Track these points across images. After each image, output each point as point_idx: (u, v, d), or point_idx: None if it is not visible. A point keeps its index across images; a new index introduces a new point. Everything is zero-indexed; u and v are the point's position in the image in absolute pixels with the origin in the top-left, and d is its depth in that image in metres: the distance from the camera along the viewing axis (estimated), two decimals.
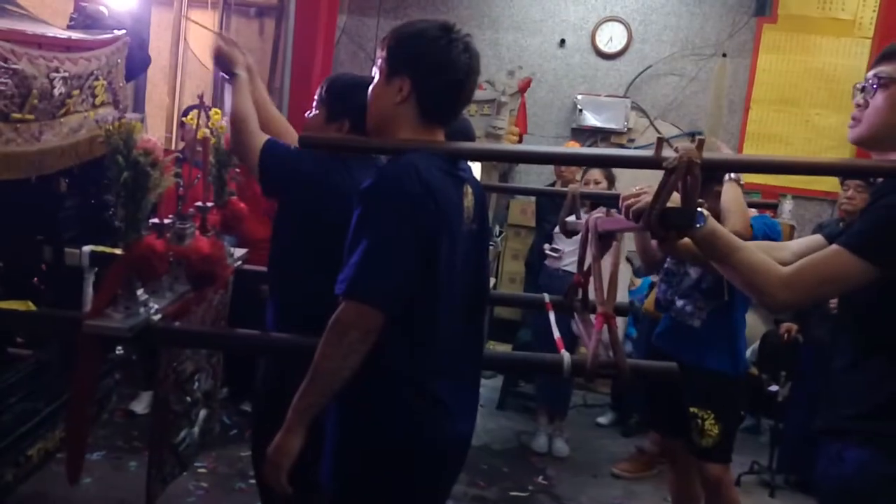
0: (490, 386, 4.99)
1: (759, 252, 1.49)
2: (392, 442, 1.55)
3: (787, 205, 4.50)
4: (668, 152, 1.44)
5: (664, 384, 2.65)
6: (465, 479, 3.58)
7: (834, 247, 1.44)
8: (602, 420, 4.70)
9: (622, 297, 3.50)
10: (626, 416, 4.64)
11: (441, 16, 5.48)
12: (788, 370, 4.05)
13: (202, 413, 2.47)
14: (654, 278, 4.02)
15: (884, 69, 1.51)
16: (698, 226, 1.43)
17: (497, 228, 5.16)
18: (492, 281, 4.63)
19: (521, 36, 5.53)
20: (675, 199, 1.41)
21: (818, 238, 1.60)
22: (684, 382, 2.22)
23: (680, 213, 1.39)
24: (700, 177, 1.38)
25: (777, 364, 4.15)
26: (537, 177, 5.37)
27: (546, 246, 4.18)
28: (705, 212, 1.45)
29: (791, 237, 4.07)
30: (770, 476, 3.92)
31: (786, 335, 4.08)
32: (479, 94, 5.14)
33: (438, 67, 1.56)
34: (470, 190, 1.66)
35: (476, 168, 4.39)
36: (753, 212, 2.78)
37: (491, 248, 3.86)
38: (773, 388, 4.09)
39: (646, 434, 4.19)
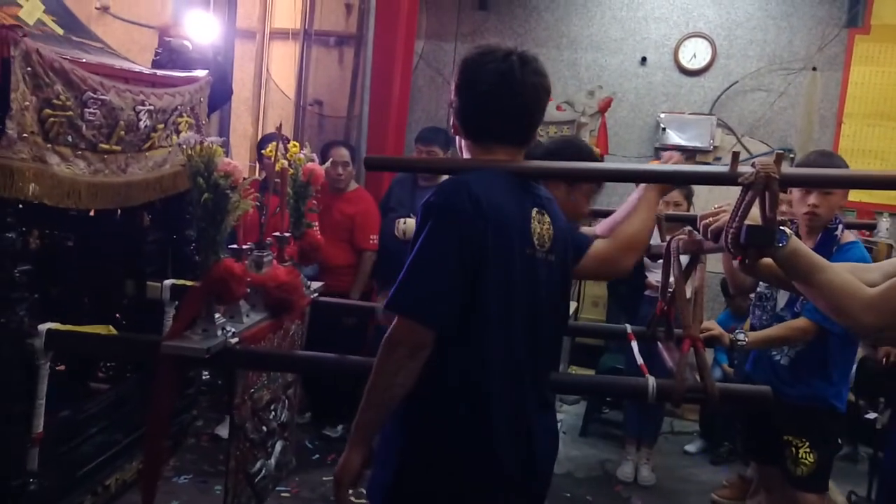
0: (573, 412, 4.90)
1: (846, 273, 1.40)
2: (441, 459, 1.53)
3: (885, 223, 4.25)
4: (745, 168, 1.38)
5: (757, 411, 2.53)
6: None
7: None
8: (690, 448, 4.53)
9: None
10: (715, 444, 4.48)
11: (519, 37, 5.49)
12: (887, 396, 3.82)
13: (278, 445, 2.48)
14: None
15: None
16: (780, 245, 1.35)
17: None
18: (573, 305, 4.54)
19: (600, 55, 5.46)
20: (756, 217, 1.34)
21: None
22: (776, 410, 2.10)
23: (759, 231, 1.33)
24: (778, 193, 1.32)
25: (875, 390, 3.92)
26: (620, 199, 5.25)
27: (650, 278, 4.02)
28: (788, 230, 1.37)
29: (889, 257, 3.84)
30: None
31: (884, 360, 3.84)
32: (558, 116, 5.10)
33: (467, 83, 1.59)
34: (546, 218, 1.63)
35: None
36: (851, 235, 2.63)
37: None
38: (872, 415, 3.90)
39: (737, 462, 4.04)
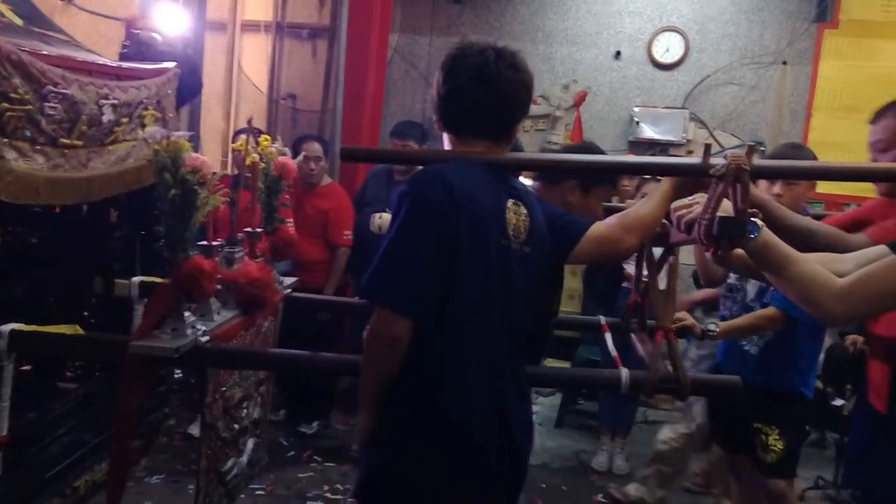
0: (548, 404, 4.92)
1: (817, 264, 1.42)
2: (422, 451, 1.54)
3: None
4: (717, 160, 1.40)
5: (728, 400, 2.57)
6: (524, 499, 3.50)
7: (892, 257, 1.37)
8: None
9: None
10: None
11: (494, 31, 5.48)
12: (854, 384, 3.89)
13: (250, 442, 2.46)
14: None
15: None
16: (752, 236, 1.37)
17: None
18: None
19: (575, 49, 5.47)
20: (728, 209, 1.36)
21: (882, 249, 1.51)
22: (747, 398, 2.13)
23: (731, 223, 1.35)
24: (749, 184, 1.34)
25: (842, 377, 4.00)
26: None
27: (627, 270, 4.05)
28: (759, 222, 1.38)
29: None
30: (835, 491, 3.83)
31: (851, 348, 3.91)
32: (533, 109, 5.08)
33: (446, 78, 1.61)
34: (522, 209, 1.63)
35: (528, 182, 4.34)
36: None
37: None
38: (838, 401, 3.99)
39: (709, 450, 4.09)
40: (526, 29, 5.53)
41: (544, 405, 4.92)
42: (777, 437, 2.64)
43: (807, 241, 1.68)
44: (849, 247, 1.61)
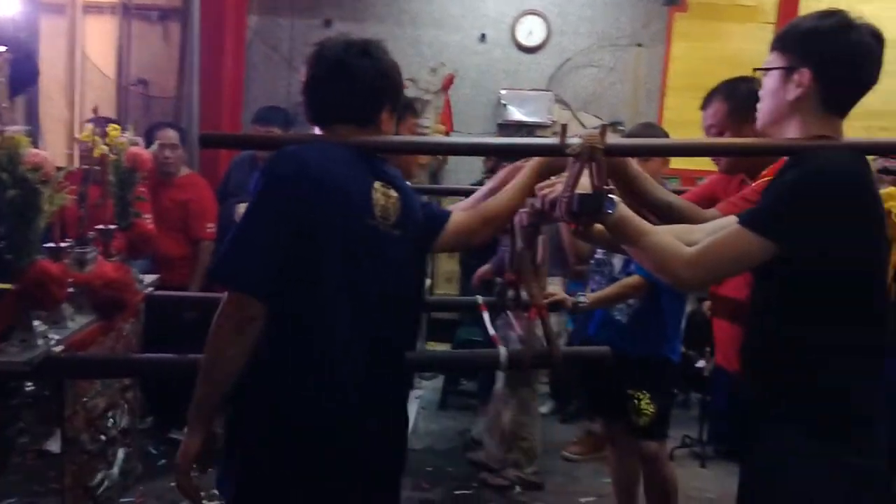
0: (431, 387, 4.94)
1: (669, 235, 1.51)
2: (291, 441, 1.50)
3: None
4: (574, 140, 1.47)
5: (600, 369, 2.68)
6: (409, 485, 3.53)
7: (735, 226, 1.46)
8: (542, 409, 4.70)
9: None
10: (565, 404, 4.70)
11: (358, 14, 5.39)
12: (713, 346, 4.13)
13: (120, 452, 2.32)
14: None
15: (768, 58, 1.57)
16: (609, 212, 1.45)
17: None
18: (427, 282, 4.55)
19: (441, 32, 5.47)
20: (587, 186, 1.44)
21: (731, 219, 1.60)
22: (618, 366, 2.27)
23: (588, 199, 1.43)
24: (604, 162, 1.43)
25: (702, 340, 4.25)
26: (466, 175, 5.33)
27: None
28: (616, 198, 1.47)
29: None
30: (701, 448, 4.06)
31: (709, 312, 4.15)
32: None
33: (306, 73, 1.63)
34: (393, 192, 1.61)
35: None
36: None
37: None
38: (700, 363, 4.23)
39: (585, 420, 4.26)
40: (391, 11, 5.48)
41: (427, 388, 4.94)
42: (648, 401, 2.77)
43: (667, 214, 1.77)
44: (703, 220, 1.71)
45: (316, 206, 1.46)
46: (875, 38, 1.49)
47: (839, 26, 1.50)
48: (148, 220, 2.46)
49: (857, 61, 1.48)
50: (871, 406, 1.49)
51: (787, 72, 1.53)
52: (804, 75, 1.50)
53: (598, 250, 2.84)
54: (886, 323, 1.54)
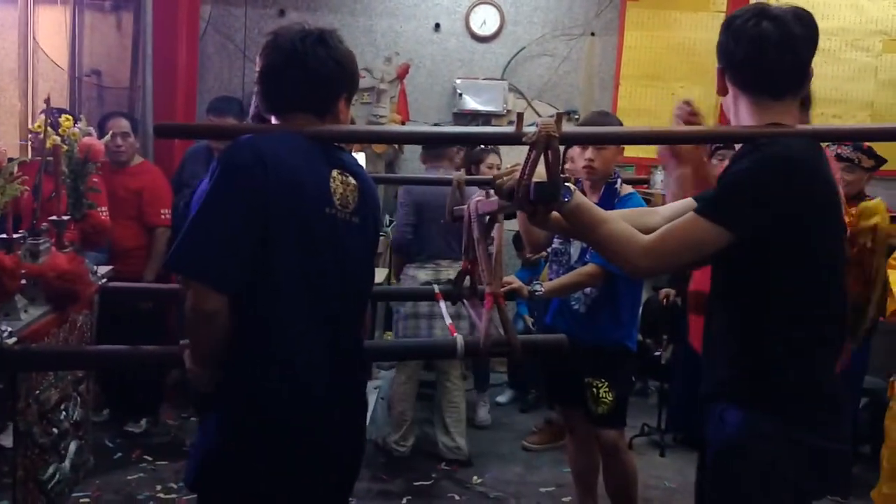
0: (388, 377, 4.94)
1: (624, 222, 1.53)
2: (254, 428, 1.52)
3: (659, 175, 4.63)
4: (530, 129, 1.47)
5: (557, 357, 2.71)
6: (368, 476, 3.54)
7: (690, 213, 1.48)
8: (501, 399, 4.77)
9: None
10: (523, 393, 4.72)
11: (311, 2, 5.35)
12: (670, 334, 4.22)
13: (72, 446, 2.30)
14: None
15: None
16: (565, 200, 1.46)
17: (387, 218, 5.11)
18: (384, 272, 4.56)
19: (395, 21, 5.46)
20: (543, 175, 1.44)
21: (689, 202, 1.64)
22: (575, 355, 2.26)
23: (544, 187, 1.43)
24: (560, 150, 1.43)
25: (659, 328, 4.32)
26: (422, 166, 5.33)
27: None
28: (572, 186, 1.49)
29: None
30: (660, 436, 4.10)
31: (664, 300, 4.23)
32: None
33: (260, 63, 1.64)
34: (351, 180, 1.63)
35: (360, 158, 4.32)
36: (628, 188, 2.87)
37: (381, 238, 3.81)
38: (657, 352, 4.27)
39: (544, 409, 4.30)
40: (345, 1, 5.45)
41: (385, 378, 4.95)
42: (607, 389, 2.78)
43: None
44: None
45: (272, 196, 1.47)
46: (778, 23, 1.50)
47: (733, 20, 1.56)
48: (103, 212, 2.44)
49: (754, 50, 1.51)
50: (835, 389, 1.52)
51: (721, 71, 1.61)
52: (722, 71, 1.59)
53: (556, 239, 2.86)
54: (843, 307, 1.57)
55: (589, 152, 2.74)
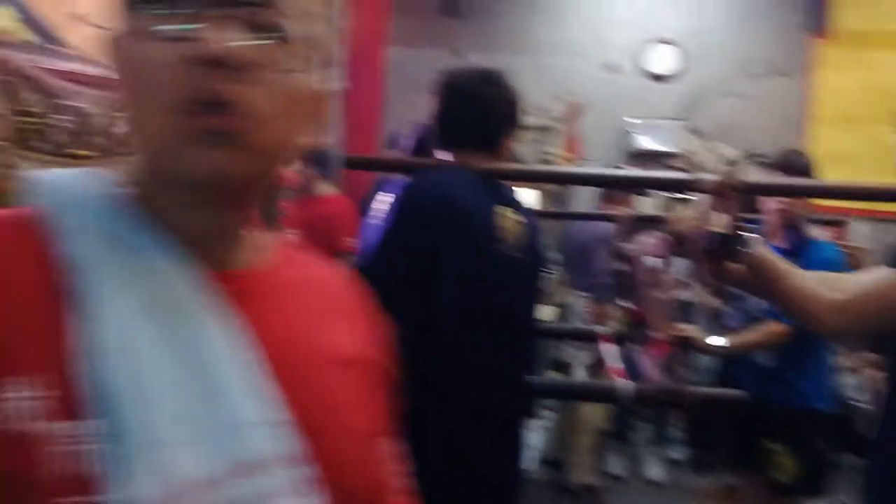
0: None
1: (812, 279, 1.42)
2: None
3: (860, 228, 4.25)
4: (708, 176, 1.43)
5: (736, 415, 2.56)
6: None
7: (889, 270, 1.34)
8: (676, 455, 4.53)
9: None
10: (702, 452, 4.45)
11: (482, 41, 5.47)
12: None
13: None
14: None
15: None
16: (745, 251, 1.36)
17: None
18: (550, 309, 4.53)
19: (567, 59, 5.49)
20: (722, 223, 1.37)
21: (886, 270, 1.50)
22: (757, 413, 2.11)
23: (722, 238, 1.36)
24: (740, 199, 1.37)
25: None
26: (584, 204, 5.29)
27: None
28: (754, 236, 1.39)
29: (862, 262, 3.83)
30: None
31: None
32: (528, 121, 5.10)
33: (438, 101, 1.73)
34: (519, 218, 1.66)
35: (533, 195, 4.35)
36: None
37: (551, 276, 3.81)
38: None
39: (723, 472, 4.03)
40: (515, 40, 5.54)
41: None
42: (788, 455, 2.55)
43: None
44: None
45: (444, 233, 1.52)
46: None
47: None
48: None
49: None
50: None
51: None
52: None
53: None
54: None
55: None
